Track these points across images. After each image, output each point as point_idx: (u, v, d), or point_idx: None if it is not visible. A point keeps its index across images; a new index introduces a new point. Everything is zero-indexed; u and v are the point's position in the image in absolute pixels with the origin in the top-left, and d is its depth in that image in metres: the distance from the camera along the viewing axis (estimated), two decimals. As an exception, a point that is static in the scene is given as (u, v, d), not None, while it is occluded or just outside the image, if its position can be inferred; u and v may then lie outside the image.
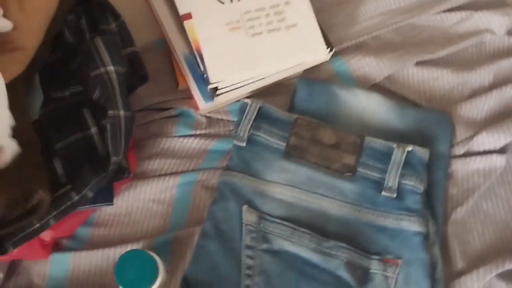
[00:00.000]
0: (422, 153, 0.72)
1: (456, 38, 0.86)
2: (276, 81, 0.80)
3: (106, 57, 0.64)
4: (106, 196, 0.67)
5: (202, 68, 0.73)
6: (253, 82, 0.77)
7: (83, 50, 0.66)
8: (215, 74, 0.72)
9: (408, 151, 0.72)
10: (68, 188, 0.61)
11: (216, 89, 0.74)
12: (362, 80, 0.83)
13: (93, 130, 0.67)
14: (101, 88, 0.63)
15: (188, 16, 0.75)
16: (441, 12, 0.87)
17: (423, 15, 0.87)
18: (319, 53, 0.75)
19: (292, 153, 0.73)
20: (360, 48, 0.86)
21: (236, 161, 0.74)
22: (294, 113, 0.77)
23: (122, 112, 0.63)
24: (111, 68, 0.64)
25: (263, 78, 0.77)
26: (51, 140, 0.64)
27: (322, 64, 0.83)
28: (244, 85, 0.76)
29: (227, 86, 0.75)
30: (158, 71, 0.84)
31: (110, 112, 0.63)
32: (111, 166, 0.63)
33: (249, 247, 0.69)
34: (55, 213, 0.61)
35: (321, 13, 0.87)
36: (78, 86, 0.66)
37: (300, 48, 0.74)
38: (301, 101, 0.79)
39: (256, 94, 0.81)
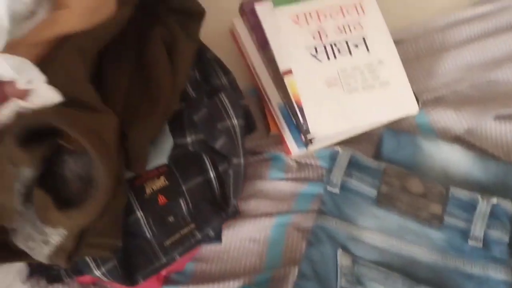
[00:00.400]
0: (507, 205, 0.77)
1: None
2: (364, 131, 0.86)
3: (230, 111, 0.71)
4: (219, 235, 0.74)
5: (301, 120, 0.80)
6: (345, 132, 0.83)
7: (208, 103, 0.73)
8: (315, 127, 0.78)
9: (493, 204, 0.77)
10: (192, 227, 0.68)
11: (311, 139, 0.81)
12: (442, 132, 0.88)
13: (211, 174, 0.73)
14: (227, 138, 0.70)
15: (289, 72, 0.81)
16: (516, 68, 0.93)
17: (500, 71, 0.92)
18: (410, 110, 0.80)
19: (383, 201, 0.79)
20: (438, 101, 0.91)
21: (330, 206, 0.80)
22: (382, 162, 0.83)
23: (242, 161, 0.71)
24: (235, 121, 0.71)
25: (354, 130, 0.83)
26: (178, 182, 0.71)
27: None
28: (336, 136, 0.82)
29: (321, 137, 0.81)
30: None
31: (234, 160, 0.71)
32: (230, 208, 0.69)
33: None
34: (181, 249, 0.67)
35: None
36: (200, 134, 0.73)
37: (393, 104, 0.80)
38: (388, 151, 0.85)
39: (343, 142, 0.87)
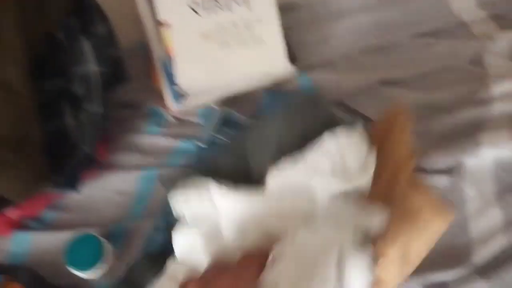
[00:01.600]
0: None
1: (421, 63, 0.90)
2: (244, 90, 0.85)
3: (90, 56, 0.69)
4: (73, 183, 0.72)
5: (173, 73, 0.78)
6: (221, 89, 0.81)
7: (71, 48, 0.71)
8: (184, 80, 0.76)
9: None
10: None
11: (184, 94, 0.79)
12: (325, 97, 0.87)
13: (68, 120, 0.71)
14: (82, 84, 0.69)
15: (165, 22, 0.79)
16: (409, 37, 0.92)
17: (392, 38, 0.91)
18: (280, 68, 0.79)
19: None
20: (328, 66, 0.90)
21: (197, 160, 0.78)
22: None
23: (96, 109, 0.69)
24: (93, 68, 0.69)
25: (231, 86, 0.81)
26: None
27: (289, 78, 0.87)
28: (212, 91, 0.81)
29: (195, 92, 0.79)
30: (139, 71, 0.89)
31: (90, 108, 0.69)
32: (80, 156, 0.68)
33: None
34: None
35: (296, 29, 0.92)
36: (59, 79, 0.71)
37: (264, 62, 0.78)
38: (265, 109, 0.84)
39: (224, 100, 0.86)
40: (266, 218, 0.65)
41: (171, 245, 0.70)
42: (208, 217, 0.68)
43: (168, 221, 0.74)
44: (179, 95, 0.80)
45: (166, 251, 0.70)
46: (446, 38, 0.92)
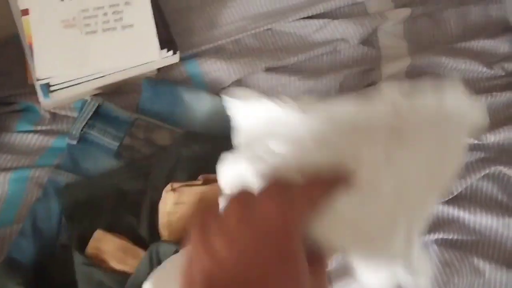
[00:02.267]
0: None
1: (312, 46, 0.86)
2: (122, 80, 0.79)
3: None
4: None
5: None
6: (91, 80, 0.76)
7: None
8: (43, 70, 0.71)
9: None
10: None
11: (48, 85, 0.73)
12: (213, 84, 0.83)
13: None
14: None
15: (26, 11, 0.73)
16: (300, 19, 0.88)
17: (283, 21, 0.87)
18: (151, 55, 0.74)
19: (123, 153, 0.73)
20: (218, 52, 0.86)
21: (66, 160, 0.73)
22: (139, 112, 0.77)
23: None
24: None
25: (102, 77, 0.76)
26: None
27: (176, 65, 0.82)
28: (81, 83, 0.75)
29: (60, 83, 0.74)
30: (13, 65, 0.83)
31: None
32: None
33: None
34: None
35: (182, 14, 0.87)
36: None
37: (133, 48, 0.73)
38: (145, 101, 0.79)
39: (106, 93, 0.80)
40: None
41: (41, 251, 0.65)
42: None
43: (35, 227, 0.69)
44: (47, 88, 0.74)
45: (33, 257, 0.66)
46: (340, 18, 0.88)
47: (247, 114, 0.48)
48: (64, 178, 0.72)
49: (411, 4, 0.90)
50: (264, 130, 0.46)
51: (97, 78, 0.76)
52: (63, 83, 0.74)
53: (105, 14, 0.73)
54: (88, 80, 0.75)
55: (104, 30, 0.73)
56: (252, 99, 0.48)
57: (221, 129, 0.77)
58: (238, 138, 0.48)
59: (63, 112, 0.79)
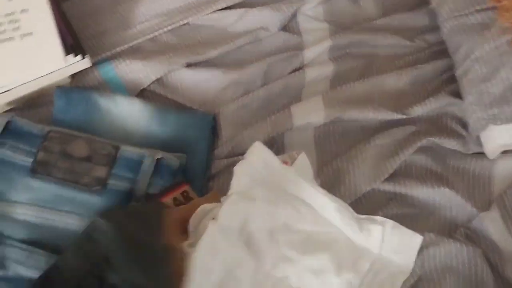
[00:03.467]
0: (172, 160, 0.68)
1: (232, 37, 0.83)
2: (32, 92, 0.74)
3: None
4: None
5: None
6: (-1, 94, 0.70)
7: None
8: None
9: (158, 159, 0.68)
10: None
11: None
12: (132, 86, 0.78)
13: None
14: None
15: None
16: (218, 11, 0.85)
17: (200, 15, 0.84)
18: (56, 63, 0.69)
19: (38, 170, 0.67)
20: (135, 52, 0.81)
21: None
22: (52, 125, 0.72)
23: None
24: None
25: (8, 91, 0.70)
26: None
27: (89, 70, 0.77)
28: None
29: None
30: None
31: None
32: None
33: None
34: None
35: (92, 17, 0.82)
36: None
37: (36, 57, 0.68)
38: (59, 111, 0.73)
39: (18, 108, 0.75)
40: None
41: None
42: None
43: None
44: None
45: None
46: (258, 6, 0.85)
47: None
48: (-25, 203, 0.65)
49: (328, -15, 0.88)
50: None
51: (2, 92, 0.70)
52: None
53: (1, 24, 0.68)
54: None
55: (1, 41, 0.67)
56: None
57: (139, 133, 0.73)
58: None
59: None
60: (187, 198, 0.66)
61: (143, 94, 0.79)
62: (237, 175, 0.61)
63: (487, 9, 0.75)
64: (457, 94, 0.77)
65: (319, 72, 0.80)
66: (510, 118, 0.70)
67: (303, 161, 0.67)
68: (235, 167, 0.61)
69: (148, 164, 0.68)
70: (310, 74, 0.79)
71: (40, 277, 0.57)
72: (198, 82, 0.79)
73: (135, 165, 0.68)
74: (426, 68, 0.81)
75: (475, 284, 0.65)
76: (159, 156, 0.68)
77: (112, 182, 0.67)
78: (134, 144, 0.70)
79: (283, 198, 0.62)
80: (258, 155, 0.63)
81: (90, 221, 0.58)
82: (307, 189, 0.63)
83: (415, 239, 0.64)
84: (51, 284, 0.56)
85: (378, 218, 0.64)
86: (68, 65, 0.70)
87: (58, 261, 0.58)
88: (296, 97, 0.79)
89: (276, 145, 0.75)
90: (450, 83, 0.80)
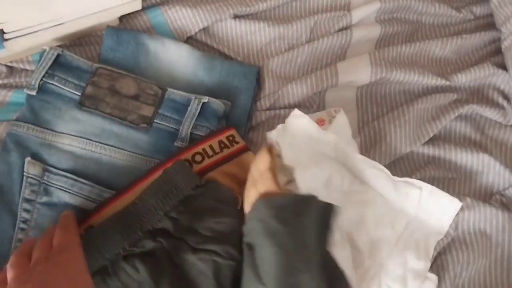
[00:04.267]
0: (217, 105, 0.69)
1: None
2: (82, 29, 0.74)
3: None
4: None
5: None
6: (49, 28, 0.70)
7: None
8: (-3, 17, 0.65)
9: (204, 103, 0.68)
10: None
11: (3, 32, 0.67)
12: (179, 33, 0.78)
13: None
14: None
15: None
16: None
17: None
18: (116, 1, 0.69)
19: (86, 103, 0.68)
20: (181, -1, 0.81)
21: (26, 111, 0.68)
22: (101, 63, 0.72)
23: None
24: None
25: (61, 24, 0.70)
26: None
27: (139, 14, 0.77)
28: (38, 31, 0.69)
29: (16, 30, 0.68)
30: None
31: None
32: None
33: (27, 201, 0.63)
34: None
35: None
36: None
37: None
38: (107, 50, 0.73)
39: (66, 45, 0.75)
40: None
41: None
42: None
43: None
44: (1, 36, 0.68)
45: None
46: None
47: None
48: (25, 130, 0.66)
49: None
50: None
51: (56, 25, 0.70)
52: (19, 30, 0.68)
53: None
54: (46, 28, 0.70)
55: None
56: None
57: (186, 77, 0.74)
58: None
59: (20, 66, 0.74)
60: (232, 142, 0.67)
61: (189, 42, 0.79)
62: (283, 147, 0.62)
63: (541, -19, 0.74)
64: (502, 66, 0.77)
65: (365, 33, 0.79)
66: (555, 91, 0.69)
67: (342, 119, 0.67)
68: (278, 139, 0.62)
69: (194, 107, 0.68)
70: (357, 34, 0.79)
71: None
72: (244, 33, 0.79)
73: (182, 107, 0.68)
74: (471, 38, 0.80)
75: (507, 249, 0.65)
76: (205, 100, 0.68)
77: (158, 122, 0.68)
78: (180, 89, 0.70)
79: (322, 160, 0.63)
80: (296, 124, 0.63)
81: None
82: (346, 153, 0.63)
83: (454, 204, 0.64)
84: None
85: (416, 181, 0.64)
86: (120, 4, 0.70)
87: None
88: (342, 56, 0.78)
89: (318, 102, 0.75)
90: (495, 55, 0.79)
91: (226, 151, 0.66)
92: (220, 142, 0.66)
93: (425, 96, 0.75)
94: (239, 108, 0.72)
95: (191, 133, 0.67)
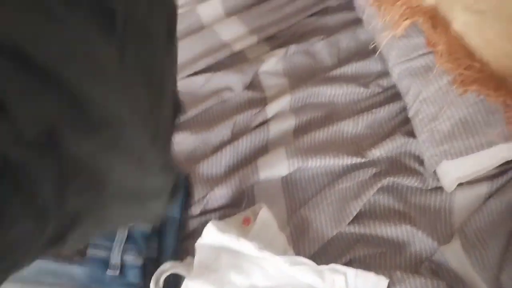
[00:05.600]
0: (144, 226, 0.70)
1: (200, 100, 0.87)
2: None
3: None
4: None
5: None
6: None
7: None
8: None
9: (130, 225, 0.70)
10: None
11: None
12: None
13: None
14: None
15: None
16: (185, 77, 0.88)
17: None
18: None
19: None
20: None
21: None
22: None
23: None
24: None
25: None
26: None
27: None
28: None
29: None
30: None
31: None
32: None
33: None
34: None
35: None
36: None
37: None
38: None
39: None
40: None
41: None
42: None
43: None
44: None
45: None
46: (223, 69, 0.90)
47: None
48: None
49: (285, 44, 0.92)
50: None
51: None
52: None
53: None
54: None
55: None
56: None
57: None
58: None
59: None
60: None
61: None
62: (198, 252, 0.65)
63: (429, 53, 0.78)
64: (413, 134, 0.80)
65: (281, 125, 0.82)
66: (460, 152, 0.72)
67: (265, 214, 0.69)
68: (195, 244, 0.65)
69: (122, 232, 0.70)
70: (273, 128, 0.82)
71: None
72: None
73: (112, 232, 0.70)
74: (381, 111, 0.83)
75: (443, 316, 0.65)
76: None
77: (91, 251, 0.69)
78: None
79: (245, 260, 0.65)
80: (212, 236, 0.66)
81: None
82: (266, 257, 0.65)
83: (382, 282, 0.65)
84: None
85: (340, 267, 0.65)
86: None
87: None
88: (264, 149, 0.81)
89: (247, 197, 0.77)
90: (405, 124, 0.82)
91: None
92: None
93: (345, 175, 0.77)
94: (169, 221, 0.73)
95: (121, 258, 0.68)
